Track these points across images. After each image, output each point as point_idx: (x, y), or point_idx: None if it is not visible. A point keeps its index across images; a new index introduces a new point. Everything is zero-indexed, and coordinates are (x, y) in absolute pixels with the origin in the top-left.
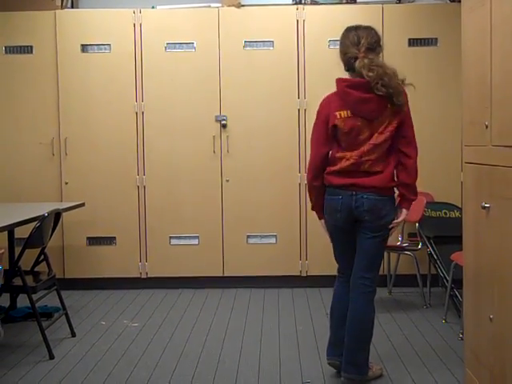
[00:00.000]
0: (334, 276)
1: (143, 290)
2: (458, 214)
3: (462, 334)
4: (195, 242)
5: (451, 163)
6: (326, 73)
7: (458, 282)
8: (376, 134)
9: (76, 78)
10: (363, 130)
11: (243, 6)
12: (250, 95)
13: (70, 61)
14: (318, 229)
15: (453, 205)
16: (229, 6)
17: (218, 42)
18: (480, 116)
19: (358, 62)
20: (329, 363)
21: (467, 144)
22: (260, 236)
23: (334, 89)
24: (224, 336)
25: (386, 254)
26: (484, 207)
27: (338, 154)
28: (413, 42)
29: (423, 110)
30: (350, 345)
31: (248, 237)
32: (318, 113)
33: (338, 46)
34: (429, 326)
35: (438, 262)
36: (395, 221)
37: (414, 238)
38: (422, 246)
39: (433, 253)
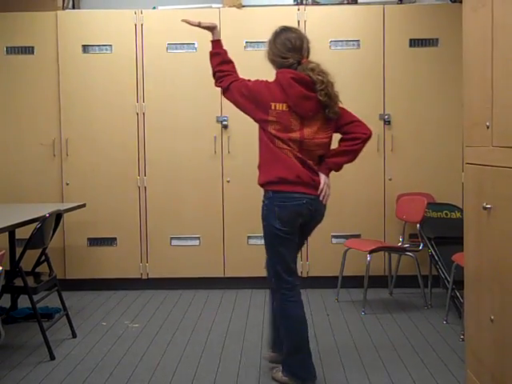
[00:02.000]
0: (335, 277)
1: (144, 290)
2: (459, 214)
3: (463, 335)
4: (196, 242)
5: (452, 164)
6: None
7: (459, 283)
8: (309, 134)
9: (77, 79)
10: (294, 127)
11: (244, 6)
12: None
13: (72, 61)
14: (318, 230)
15: (454, 205)
16: (230, 6)
17: None
18: (481, 117)
19: (303, 65)
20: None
21: (468, 145)
22: (261, 237)
23: (337, 89)
24: (225, 337)
25: (387, 254)
26: (485, 208)
27: (282, 146)
28: (414, 43)
29: (424, 110)
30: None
31: (249, 237)
32: (253, 88)
33: (339, 47)
34: (430, 326)
35: (439, 262)
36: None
37: (415, 239)
38: (422, 246)
39: (434, 254)
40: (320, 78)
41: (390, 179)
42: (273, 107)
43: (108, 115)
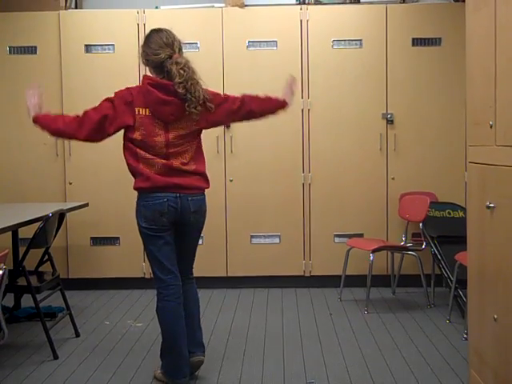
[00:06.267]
0: (338, 276)
1: (147, 290)
2: (462, 213)
3: (466, 334)
4: (199, 242)
5: (455, 163)
6: (330, 73)
7: (462, 282)
8: (175, 137)
9: (80, 79)
10: (158, 131)
11: (247, 6)
12: None
13: (74, 61)
14: (321, 229)
15: (457, 205)
16: (232, 6)
17: (221, 42)
18: (484, 116)
19: (173, 59)
20: None
21: (471, 144)
22: (263, 236)
23: (336, 88)
24: (228, 336)
25: (389, 254)
26: (488, 207)
27: (145, 156)
28: (417, 42)
29: (427, 109)
30: (197, 328)
31: (252, 237)
32: (118, 95)
33: (342, 47)
34: (433, 326)
35: (442, 262)
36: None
37: (418, 238)
38: (425, 246)
39: (437, 253)
40: (182, 71)
41: (393, 178)
42: (137, 112)
43: None
